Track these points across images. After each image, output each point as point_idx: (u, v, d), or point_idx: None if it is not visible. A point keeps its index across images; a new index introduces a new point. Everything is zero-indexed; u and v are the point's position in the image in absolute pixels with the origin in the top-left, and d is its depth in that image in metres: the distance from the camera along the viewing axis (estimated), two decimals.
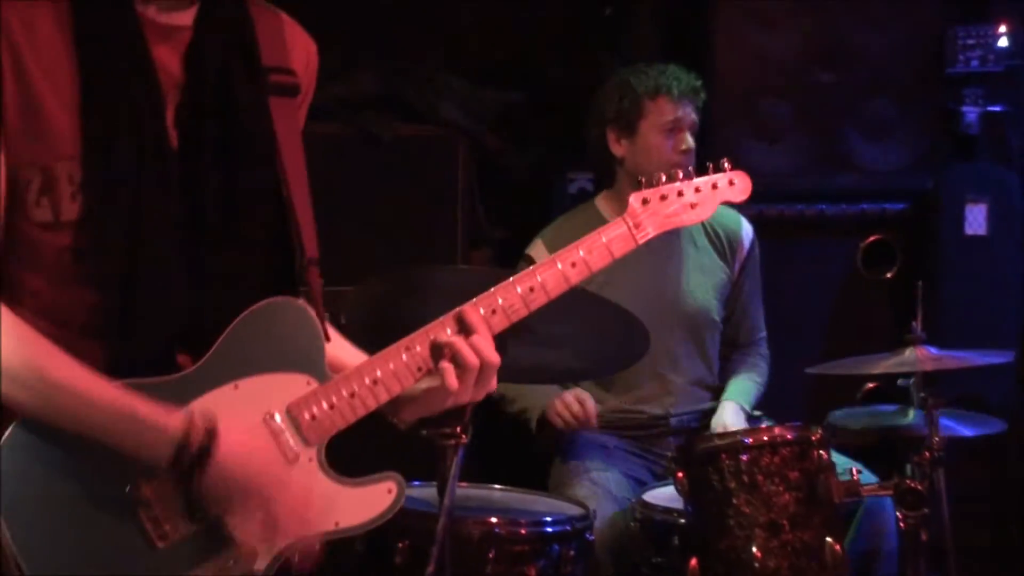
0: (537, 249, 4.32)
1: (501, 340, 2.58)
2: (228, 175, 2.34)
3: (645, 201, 2.65)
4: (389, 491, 2.43)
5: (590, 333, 3.45)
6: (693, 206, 2.70)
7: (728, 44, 5.12)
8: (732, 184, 2.76)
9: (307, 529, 2.35)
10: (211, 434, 2.23)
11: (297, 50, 2.50)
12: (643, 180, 2.69)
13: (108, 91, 2.24)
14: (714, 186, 2.72)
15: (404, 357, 2.44)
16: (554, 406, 4.19)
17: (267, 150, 2.40)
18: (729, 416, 4.28)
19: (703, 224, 4.41)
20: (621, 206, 4.25)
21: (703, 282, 4.42)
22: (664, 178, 2.69)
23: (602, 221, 4.23)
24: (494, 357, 2.46)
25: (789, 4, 5.14)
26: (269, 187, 2.40)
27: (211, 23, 2.35)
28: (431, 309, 2.52)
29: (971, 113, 5.13)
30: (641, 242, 2.63)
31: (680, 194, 2.69)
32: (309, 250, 2.44)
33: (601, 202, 4.45)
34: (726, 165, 2.76)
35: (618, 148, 4.33)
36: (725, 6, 5.14)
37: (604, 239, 2.60)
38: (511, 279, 2.53)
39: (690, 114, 4.31)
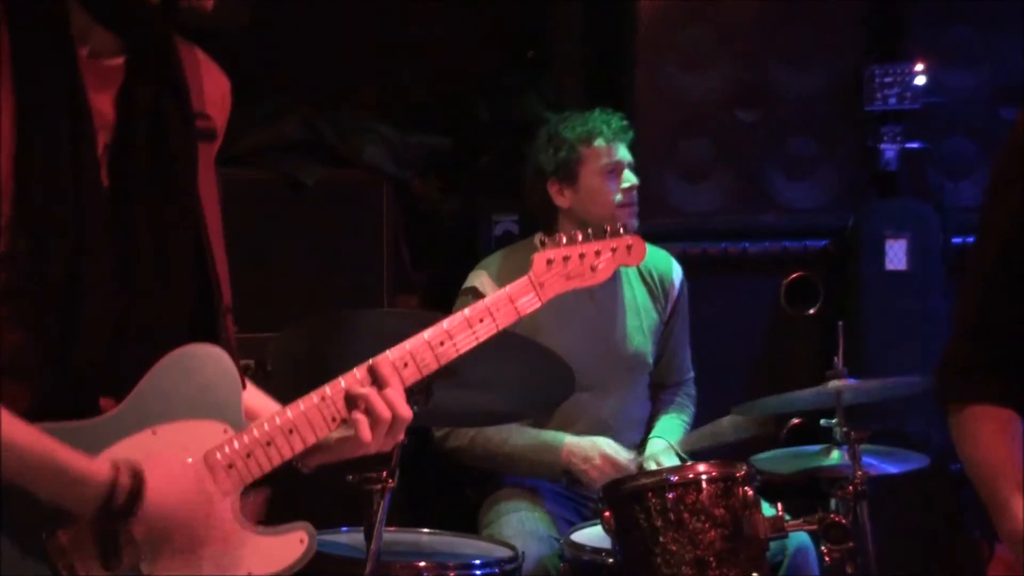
0: (482, 280, 4.32)
1: (427, 384, 2.60)
2: (157, 219, 2.34)
3: (549, 262, 2.72)
4: (301, 541, 2.42)
5: (516, 375, 3.47)
6: (593, 268, 2.77)
7: (649, 85, 5.17)
8: (629, 248, 2.84)
9: None
10: (139, 481, 2.22)
11: (214, 91, 2.49)
12: (545, 240, 2.75)
13: (41, 127, 2.22)
14: (612, 250, 2.79)
15: (319, 407, 2.44)
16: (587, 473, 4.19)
17: (193, 196, 2.40)
18: (659, 453, 4.29)
19: (638, 266, 4.46)
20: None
21: (638, 324, 4.45)
22: (565, 239, 2.75)
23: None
24: (406, 411, 2.47)
25: (709, 44, 5.20)
26: (192, 232, 2.39)
27: (143, 66, 2.35)
28: (357, 353, 2.53)
29: (890, 150, 5.19)
30: (543, 302, 2.69)
31: (582, 256, 2.76)
32: (225, 297, 2.44)
33: (540, 240, 4.45)
34: (622, 230, 2.83)
35: (562, 199, 4.35)
36: (646, 47, 5.18)
37: (510, 298, 2.65)
38: (423, 333, 2.55)
39: (626, 153, 4.35)
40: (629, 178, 4.33)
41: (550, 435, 4.25)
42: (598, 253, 2.76)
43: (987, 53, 5.29)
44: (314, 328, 3.48)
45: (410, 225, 5.16)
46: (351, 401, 2.45)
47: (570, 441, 4.22)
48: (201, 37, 2.49)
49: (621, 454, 4.20)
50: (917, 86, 5.16)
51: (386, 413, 2.44)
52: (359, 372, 2.48)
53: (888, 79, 5.17)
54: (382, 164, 5.03)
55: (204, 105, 2.45)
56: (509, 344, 3.29)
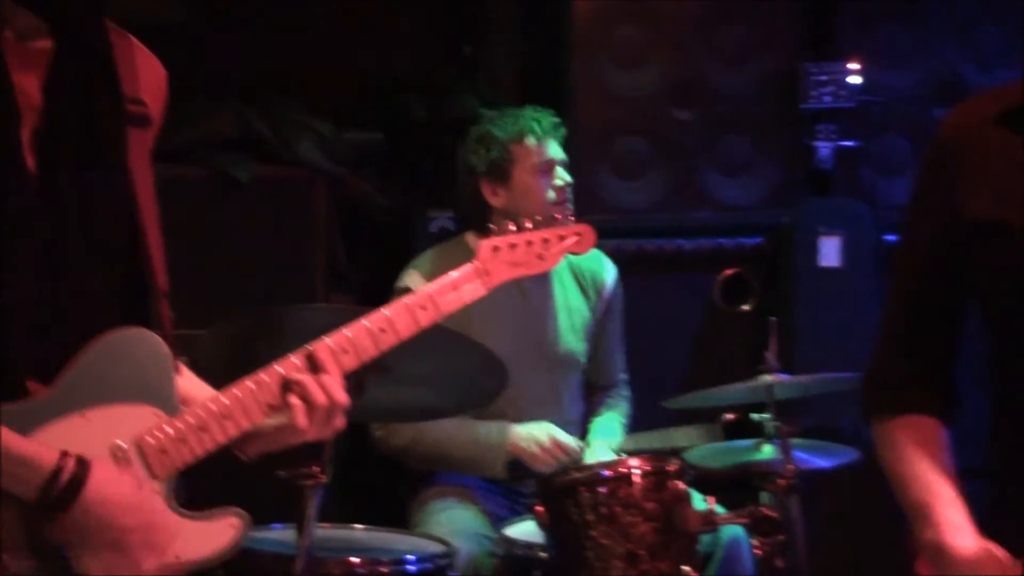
0: (414, 279, 4.31)
1: (359, 378, 2.59)
2: (86, 203, 2.32)
3: (495, 248, 2.70)
4: (232, 526, 2.41)
5: (449, 371, 3.46)
6: (540, 256, 2.76)
7: (585, 82, 5.18)
8: (578, 236, 2.83)
9: (151, 563, 2.32)
10: (84, 470, 2.21)
11: (148, 78, 2.47)
12: (493, 228, 2.74)
13: None
14: (561, 237, 2.78)
15: (254, 393, 2.43)
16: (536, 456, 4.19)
17: (124, 180, 2.38)
18: (597, 452, 4.30)
19: (570, 265, 4.47)
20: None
21: (570, 323, 4.45)
22: (513, 227, 2.73)
23: (471, 256, 4.28)
24: (342, 397, 2.46)
25: (645, 43, 5.21)
26: (125, 217, 2.37)
27: (72, 49, 2.33)
28: (289, 350, 2.51)
29: (824, 148, 5.22)
30: (489, 289, 2.67)
31: (529, 244, 2.74)
32: (161, 283, 2.42)
33: (472, 238, 4.45)
34: (571, 218, 2.83)
35: (495, 199, 4.35)
36: (582, 45, 5.19)
37: (454, 284, 2.63)
38: (363, 319, 2.54)
39: (558, 151, 4.35)
40: (562, 176, 4.33)
41: (495, 426, 4.25)
42: (546, 241, 2.75)
43: (921, 52, 5.34)
44: (245, 325, 3.47)
45: (345, 222, 5.14)
46: (287, 386, 2.43)
47: (516, 428, 4.23)
48: (133, 32, 2.48)
49: (566, 436, 4.20)
50: (852, 85, 5.19)
51: (322, 399, 2.43)
52: (296, 358, 2.47)
53: (823, 78, 5.20)
54: (316, 161, 5.01)
55: (138, 91, 2.43)
56: (442, 339, 3.29)
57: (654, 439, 4.38)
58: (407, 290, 4.23)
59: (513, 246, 2.72)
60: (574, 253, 2.81)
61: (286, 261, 4.89)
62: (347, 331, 2.50)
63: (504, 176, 4.32)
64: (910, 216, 2.41)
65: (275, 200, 4.91)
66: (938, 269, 2.33)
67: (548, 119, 4.36)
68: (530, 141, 4.31)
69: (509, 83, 5.36)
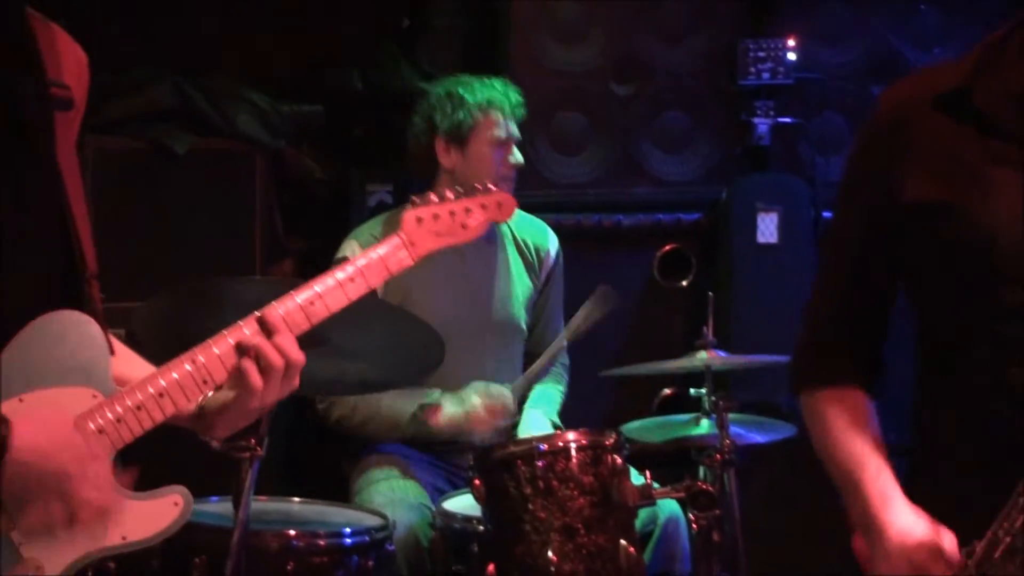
0: (353, 250, 4.29)
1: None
2: (14, 188, 2.30)
3: (419, 220, 2.71)
4: (175, 504, 2.40)
5: (387, 343, 3.46)
6: (464, 226, 2.76)
7: (525, 57, 5.18)
8: (499, 205, 2.84)
9: (95, 544, 2.32)
10: (3, 423, 2.19)
11: (70, 63, 2.46)
12: (416, 199, 2.75)
13: None
14: (482, 206, 2.79)
15: (190, 369, 2.42)
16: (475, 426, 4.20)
17: (52, 165, 2.37)
18: (535, 423, 4.31)
19: (512, 234, 4.50)
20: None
21: (512, 292, 4.46)
22: (435, 198, 2.74)
23: None
24: (298, 355, 2.47)
25: (585, 18, 5.22)
26: (53, 201, 2.36)
27: None
28: (227, 322, 2.50)
29: (762, 125, 5.24)
30: (415, 260, 2.68)
31: (452, 213, 2.75)
32: (90, 264, 2.41)
33: None
34: (491, 187, 2.83)
35: (447, 159, 4.35)
36: (522, 19, 5.19)
37: (380, 256, 2.64)
38: (294, 291, 2.54)
39: (516, 131, 4.37)
40: (517, 156, 4.36)
41: (432, 395, 4.26)
42: (468, 210, 2.75)
43: (859, 30, 5.37)
44: (182, 297, 3.46)
45: (283, 194, 5.12)
46: (241, 351, 2.43)
47: (447, 395, 4.24)
48: (66, 6, 2.46)
49: (499, 397, 4.23)
50: (790, 61, 5.21)
51: (278, 360, 2.43)
52: (246, 325, 2.46)
53: (761, 54, 5.22)
54: (255, 133, 4.99)
55: (61, 75, 2.42)
56: (379, 312, 3.30)
57: (579, 319, 4.39)
58: (344, 261, 4.23)
59: (436, 216, 2.72)
60: (495, 221, 2.82)
61: (224, 233, 4.87)
62: (279, 305, 2.50)
63: (462, 139, 4.32)
64: (844, 192, 2.42)
65: (213, 172, 4.90)
66: (870, 247, 2.33)
67: (516, 96, 4.38)
68: (496, 113, 4.33)
69: (448, 57, 5.34)
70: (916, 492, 2.25)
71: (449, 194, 2.76)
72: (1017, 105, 2.17)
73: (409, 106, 4.58)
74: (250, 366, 2.42)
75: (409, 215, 2.70)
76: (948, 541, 2.13)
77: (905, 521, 2.18)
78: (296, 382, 2.49)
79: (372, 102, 5.29)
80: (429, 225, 2.70)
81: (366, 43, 5.39)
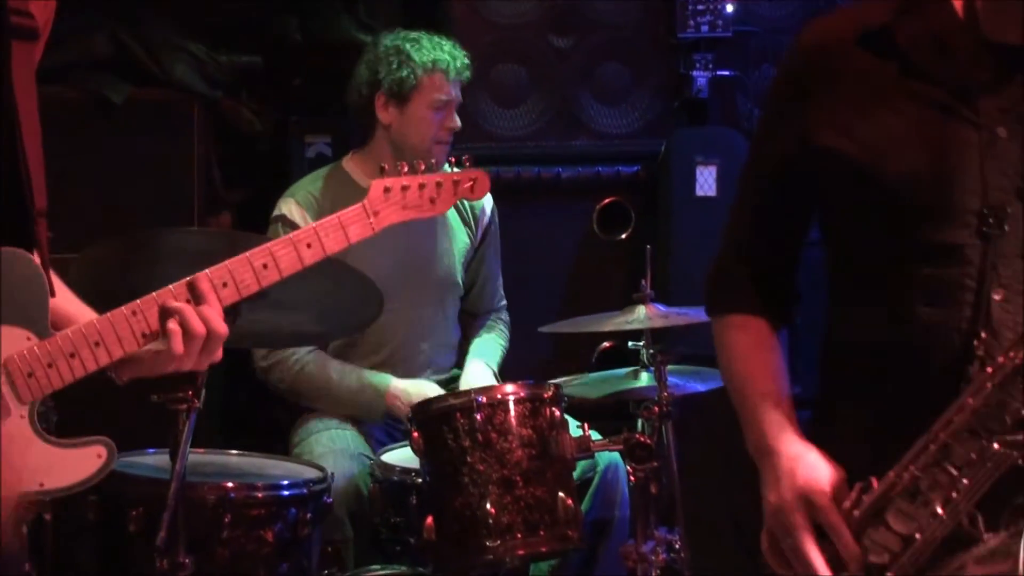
0: (290, 207, 4.28)
1: (235, 303, 2.58)
2: None
3: (387, 190, 2.69)
4: (99, 455, 2.39)
5: (324, 296, 3.45)
6: (432, 200, 2.75)
7: (464, 11, 5.15)
8: (473, 183, 2.82)
9: (12, 488, 2.30)
10: None
11: None
12: (386, 167, 2.73)
13: None
14: (455, 183, 2.77)
15: (130, 321, 2.41)
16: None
17: (7, 94, 2.32)
18: (477, 373, 4.33)
19: None
20: (373, 167, 4.28)
21: (448, 248, 4.46)
22: (407, 168, 2.72)
23: (351, 184, 4.29)
24: (221, 328, 2.46)
25: None
26: (6, 133, 2.32)
27: None
28: (165, 272, 2.51)
29: (701, 78, 5.24)
30: (377, 230, 2.67)
31: (421, 186, 2.72)
32: (39, 202, 2.38)
33: (350, 164, 4.43)
34: (467, 163, 2.81)
35: (385, 114, 4.31)
36: None
37: (341, 224, 2.62)
38: (246, 253, 2.52)
39: (459, 94, 4.34)
40: (455, 120, 4.32)
41: (376, 377, 4.25)
42: (439, 185, 2.74)
43: None
44: (119, 248, 3.43)
45: (221, 145, 5.09)
46: (166, 314, 2.42)
47: (395, 384, 4.23)
48: None
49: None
50: (728, 14, 5.21)
51: (201, 328, 2.43)
52: (176, 288, 2.45)
53: (700, 7, 5.22)
54: (192, 83, 4.95)
55: (26, 2, 2.38)
56: (319, 265, 3.26)
57: None
58: (283, 218, 4.22)
59: (405, 188, 2.70)
60: (468, 199, 2.81)
61: (162, 184, 4.83)
62: (229, 265, 2.49)
63: (403, 98, 4.29)
64: (762, 121, 2.44)
65: (150, 122, 4.85)
66: (783, 183, 2.34)
67: (464, 60, 4.34)
68: (441, 75, 4.29)
69: (388, 8, 5.31)
70: (820, 431, 2.27)
71: (422, 166, 2.74)
72: (935, 46, 2.18)
73: (348, 57, 4.55)
74: (175, 331, 2.41)
75: (377, 184, 2.68)
76: (836, 474, 2.15)
77: (796, 450, 2.19)
78: (219, 355, 2.48)
79: (311, 52, 5.25)
80: (396, 196, 2.68)
81: None
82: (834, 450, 2.21)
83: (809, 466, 2.16)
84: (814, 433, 2.26)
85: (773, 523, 2.19)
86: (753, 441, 2.28)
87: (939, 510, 2.05)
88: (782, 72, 2.38)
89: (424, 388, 4.21)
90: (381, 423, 4.32)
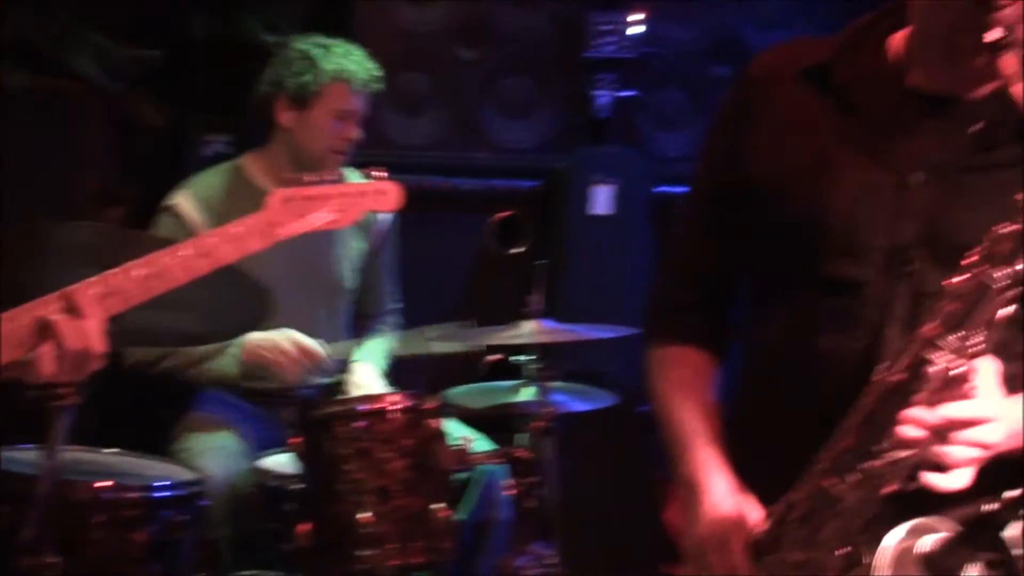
0: (182, 199, 4.23)
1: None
2: None
3: (288, 200, 2.63)
4: None
5: (210, 296, 3.41)
6: (337, 211, 2.69)
7: (371, 16, 5.15)
8: (382, 195, 2.77)
9: None
10: None
11: None
12: (289, 177, 2.69)
13: None
14: (362, 194, 2.72)
15: (6, 332, 2.36)
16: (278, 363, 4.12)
17: None
18: (363, 376, 4.31)
19: None
20: (270, 169, 4.26)
21: (341, 252, 4.44)
22: (311, 178, 2.68)
23: (248, 184, 4.26)
24: (99, 344, 2.39)
25: None
26: None
27: None
28: (55, 267, 2.46)
29: (603, 97, 5.28)
30: (276, 241, 2.62)
31: (326, 198, 2.67)
32: None
33: (249, 163, 4.39)
34: (375, 175, 2.77)
35: (285, 118, 4.28)
36: None
37: (239, 235, 2.57)
38: (134, 262, 2.47)
39: (363, 105, 4.31)
40: (356, 132, 4.30)
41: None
42: (344, 196, 2.69)
43: (703, 9, 5.42)
44: (8, 240, 3.37)
45: (118, 139, 5.04)
46: (41, 329, 2.36)
47: (254, 335, 4.19)
48: None
49: (312, 342, 4.18)
50: (634, 35, 5.25)
51: (76, 344, 2.36)
52: (54, 299, 2.39)
53: (607, 27, 5.25)
54: (92, 74, 4.90)
55: None
56: None
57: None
58: (172, 208, 4.18)
59: (308, 199, 2.64)
60: (377, 211, 2.77)
61: (57, 176, 4.78)
62: (116, 274, 2.43)
63: (304, 103, 4.25)
64: (703, 155, 2.45)
65: (48, 112, 4.80)
66: (719, 208, 2.37)
67: (373, 71, 4.31)
68: (345, 84, 4.25)
69: (295, 10, 5.29)
70: (733, 454, 2.30)
71: (328, 177, 2.70)
72: (865, 89, 2.23)
73: (252, 56, 4.52)
74: (47, 349, 2.35)
75: (278, 195, 2.63)
76: (754, 513, 2.19)
77: (720, 490, 2.23)
78: (95, 366, 2.43)
79: (215, 50, 5.21)
80: (298, 207, 2.63)
81: None
82: (745, 468, 2.26)
83: (731, 509, 2.21)
84: (731, 451, 2.30)
85: (692, 555, 2.24)
86: (682, 475, 2.30)
87: (829, 535, 2.09)
88: (727, 102, 2.41)
89: (289, 333, 4.13)
90: (258, 407, 4.26)
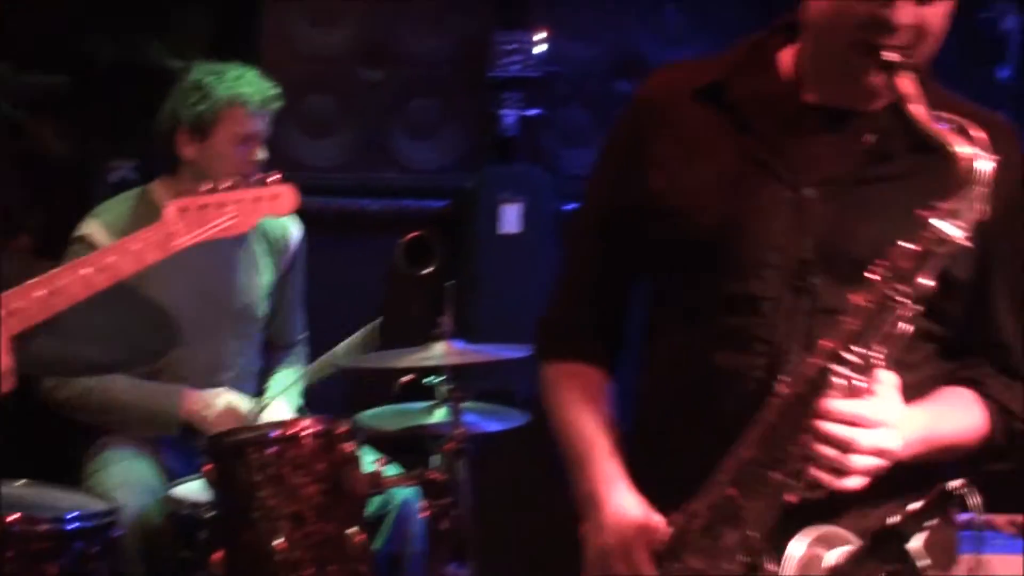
0: (93, 228, 4.20)
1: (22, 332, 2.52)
2: None
3: (184, 210, 2.63)
4: None
5: (116, 325, 3.39)
6: (233, 218, 2.69)
7: (276, 38, 5.15)
8: (276, 198, 2.76)
9: None
10: None
11: None
12: (184, 188, 2.68)
13: None
14: (257, 199, 2.72)
15: None
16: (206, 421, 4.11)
17: None
18: (277, 407, 4.30)
19: None
20: (179, 195, 4.22)
21: (252, 278, 4.41)
22: (206, 187, 2.67)
23: (158, 210, 4.18)
24: (5, 361, 2.39)
25: (338, 2, 5.21)
26: None
27: None
28: None
29: (510, 116, 5.29)
30: (174, 251, 2.61)
31: (221, 206, 2.67)
32: None
33: (158, 190, 4.36)
34: (269, 179, 2.77)
35: (188, 150, 4.25)
36: (274, 1, 5.16)
37: (135, 246, 2.57)
38: (33, 281, 2.46)
39: (265, 126, 4.30)
40: (260, 153, 4.28)
41: (172, 387, 4.19)
42: (240, 202, 2.68)
43: (606, 27, 5.45)
44: None
45: (23, 165, 5.00)
46: None
47: (192, 392, 4.17)
48: None
49: (244, 404, 4.17)
50: (538, 54, 5.28)
51: None
52: None
53: (511, 46, 5.27)
54: None
55: None
56: (111, 293, 3.21)
57: (324, 365, 4.39)
58: (84, 239, 4.15)
59: (203, 207, 2.65)
60: (273, 215, 2.76)
61: None
62: (14, 295, 2.43)
63: (204, 133, 4.23)
64: (596, 172, 2.48)
65: None
66: (616, 230, 2.39)
67: (270, 91, 4.29)
68: (244, 109, 4.23)
69: (200, 35, 5.27)
70: (634, 467, 2.32)
71: (223, 184, 2.69)
72: (760, 105, 2.26)
73: (157, 82, 4.50)
74: None
75: (173, 206, 2.62)
76: (657, 521, 2.21)
77: (622, 500, 2.26)
78: (4, 387, 2.41)
79: (119, 76, 5.18)
80: (194, 216, 2.62)
81: (118, 15, 5.28)
82: (646, 481, 2.28)
83: (632, 517, 2.23)
84: (632, 465, 2.32)
85: (596, 565, 2.27)
86: (582, 490, 2.33)
87: (731, 544, 2.13)
88: (619, 122, 2.44)
89: (222, 393, 4.16)
90: (177, 433, 4.23)
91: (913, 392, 2.16)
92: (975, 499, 2.02)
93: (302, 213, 4.59)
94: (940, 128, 2.05)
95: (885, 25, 2.09)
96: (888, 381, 2.09)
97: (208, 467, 3.57)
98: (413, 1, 5.28)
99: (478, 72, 5.30)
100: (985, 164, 2.02)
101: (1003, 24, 5.19)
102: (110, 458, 4.16)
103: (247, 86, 4.25)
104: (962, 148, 2.02)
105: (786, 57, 2.30)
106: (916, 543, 2.01)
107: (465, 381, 4.06)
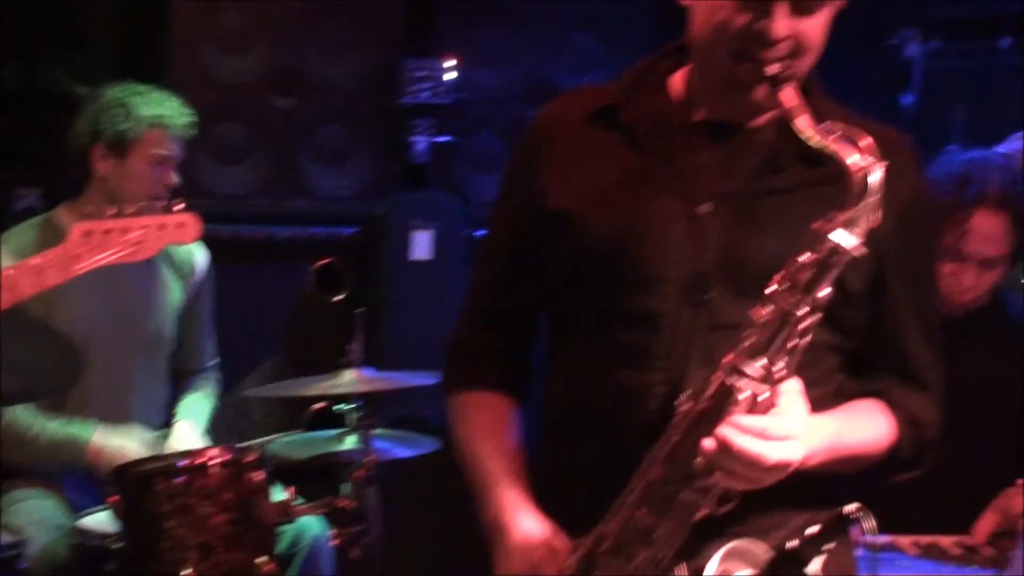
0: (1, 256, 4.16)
1: None
2: None
3: (88, 233, 2.61)
4: None
5: (16, 355, 3.36)
6: (137, 243, 2.69)
7: (185, 65, 5.13)
8: (181, 227, 2.76)
9: None
10: None
11: None
12: (91, 211, 2.67)
13: None
14: (161, 226, 2.72)
15: None
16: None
17: None
18: (184, 435, 4.26)
19: None
20: (85, 219, 4.20)
21: (160, 302, 4.37)
22: (111, 212, 2.66)
23: (62, 236, 4.16)
24: None
25: (248, 28, 5.20)
26: None
27: None
28: None
29: (420, 143, 5.31)
30: (76, 274, 2.60)
31: (125, 231, 2.66)
32: None
33: (63, 214, 4.31)
34: (175, 207, 2.77)
35: (102, 167, 4.21)
36: (183, 27, 5.15)
37: (36, 268, 2.55)
38: None
39: (180, 150, 4.28)
40: (173, 177, 4.26)
41: (77, 429, 4.14)
42: (144, 228, 2.68)
43: (516, 53, 5.49)
44: None
45: None
46: None
47: (97, 439, 4.11)
48: None
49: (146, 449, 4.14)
50: (448, 81, 5.29)
51: None
52: None
53: (421, 73, 5.29)
54: None
55: None
56: (12, 322, 3.18)
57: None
58: None
59: (108, 232, 2.64)
60: (176, 243, 2.75)
61: None
62: None
63: (122, 151, 4.20)
64: (498, 201, 2.49)
65: None
66: (515, 253, 2.41)
67: (187, 117, 4.29)
68: (165, 131, 4.22)
69: (108, 61, 5.23)
70: (541, 491, 2.33)
71: (129, 209, 2.69)
72: (655, 125, 2.28)
73: (62, 108, 4.46)
74: None
75: (78, 228, 2.61)
76: (562, 543, 2.22)
77: (527, 525, 2.26)
78: None
79: (24, 101, 5.13)
80: (98, 240, 2.61)
81: (23, 40, 5.23)
82: (553, 506, 2.29)
83: (538, 539, 2.24)
84: (538, 485, 2.33)
85: None
86: (488, 518, 2.33)
87: (641, 564, 2.13)
88: (516, 150, 2.46)
89: (127, 442, 4.11)
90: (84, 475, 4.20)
91: (819, 406, 2.17)
92: (870, 522, 2.03)
93: (212, 240, 4.60)
94: (827, 140, 2.06)
95: (763, 38, 2.12)
96: (792, 389, 2.10)
97: (114, 498, 3.53)
98: (323, 28, 5.28)
99: (388, 99, 5.32)
100: (876, 172, 2.04)
101: (907, 51, 5.27)
102: (16, 497, 4.10)
103: (170, 109, 4.25)
104: (852, 158, 2.04)
105: (677, 79, 2.33)
106: (815, 567, 2.02)
107: (376, 408, 4.05)
